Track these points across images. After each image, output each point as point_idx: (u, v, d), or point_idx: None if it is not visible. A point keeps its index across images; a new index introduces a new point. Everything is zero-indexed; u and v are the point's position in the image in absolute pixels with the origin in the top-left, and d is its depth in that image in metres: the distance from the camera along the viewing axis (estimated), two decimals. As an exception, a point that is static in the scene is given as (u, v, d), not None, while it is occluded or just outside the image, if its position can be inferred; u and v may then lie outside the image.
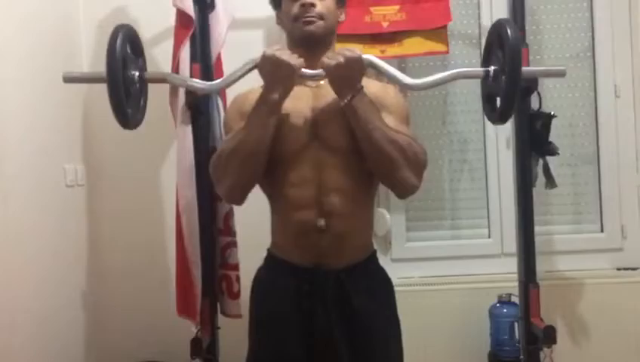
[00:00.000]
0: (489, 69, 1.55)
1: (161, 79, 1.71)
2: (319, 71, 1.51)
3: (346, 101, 1.48)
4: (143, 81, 1.62)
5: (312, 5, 1.56)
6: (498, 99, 1.56)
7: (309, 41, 1.60)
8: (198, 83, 1.68)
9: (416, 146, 1.54)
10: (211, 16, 2.32)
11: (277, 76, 1.48)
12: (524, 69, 1.51)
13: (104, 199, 2.66)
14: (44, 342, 2.20)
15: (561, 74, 1.62)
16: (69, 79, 1.64)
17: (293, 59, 1.48)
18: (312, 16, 1.57)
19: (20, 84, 2.13)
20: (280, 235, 1.65)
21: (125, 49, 1.53)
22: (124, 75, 1.51)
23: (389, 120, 1.55)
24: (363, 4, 2.41)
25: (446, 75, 1.55)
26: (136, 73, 1.58)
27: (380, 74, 1.55)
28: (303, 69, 1.51)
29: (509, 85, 1.47)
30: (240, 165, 1.53)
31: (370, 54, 1.52)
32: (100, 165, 2.65)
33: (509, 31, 1.47)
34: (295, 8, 1.58)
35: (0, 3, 2.04)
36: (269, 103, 1.49)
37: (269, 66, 1.48)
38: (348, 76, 1.48)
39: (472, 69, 1.63)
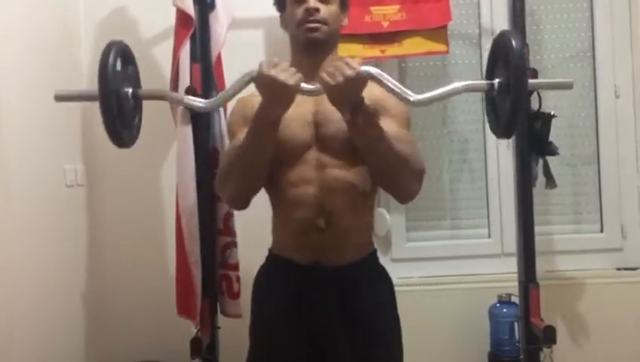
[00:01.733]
0: (493, 82, 1.47)
1: (156, 96, 1.65)
2: (317, 87, 1.45)
3: (347, 117, 1.45)
4: (138, 98, 1.56)
5: (317, 10, 1.57)
6: (502, 113, 1.49)
7: (313, 47, 1.61)
8: (195, 101, 1.61)
9: (417, 154, 1.56)
10: (211, 16, 2.32)
11: (275, 95, 1.43)
12: (530, 81, 1.45)
13: (104, 199, 2.66)
14: (44, 341, 2.20)
15: (567, 86, 1.55)
16: (60, 98, 1.58)
17: (291, 77, 1.41)
18: (317, 21, 1.57)
19: (20, 84, 2.13)
20: (281, 234, 1.67)
21: (117, 65, 1.47)
22: (117, 93, 1.46)
23: (390, 124, 1.54)
24: (363, 4, 2.40)
25: (449, 88, 1.48)
26: (130, 90, 1.52)
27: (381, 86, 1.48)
28: (302, 85, 1.44)
29: (515, 100, 1.40)
30: (241, 176, 1.55)
31: (370, 67, 1.44)
32: (100, 165, 2.64)
33: (513, 43, 1.40)
34: (299, 12, 1.58)
35: (0, 3, 2.04)
36: (267, 120, 1.47)
37: (266, 85, 1.42)
38: (347, 93, 1.41)
39: (476, 82, 1.53)
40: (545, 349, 2.23)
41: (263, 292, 1.69)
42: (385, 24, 2.43)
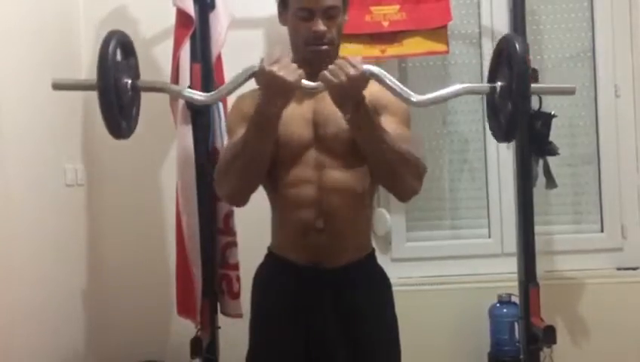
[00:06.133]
0: (495, 85, 1.47)
1: (155, 88, 1.63)
2: (319, 84, 1.43)
3: (347, 116, 1.45)
4: (136, 90, 1.53)
5: (324, 34, 1.53)
6: (503, 117, 1.48)
7: (317, 64, 1.55)
8: (194, 93, 1.58)
9: (417, 152, 1.55)
10: (211, 16, 2.32)
11: (275, 91, 1.42)
12: (533, 86, 1.44)
13: (104, 199, 2.66)
14: (44, 341, 2.20)
15: (570, 92, 1.53)
16: (58, 86, 1.56)
17: (292, 73, 1.40)
18: (324, 44, 1.54)
19: (20, 84, 2.13)
20: (279, 234, 1.67)
21: (117, 56, 1.45)
22: (116, 83, 1.43)
23: (390, 122, 1.55)
24: (363, 4, 2.40)
25: (451, 90, 1.47)
26: (129, 81, 1.48)
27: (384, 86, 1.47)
28: (303, 81, 1.43)
29: (517, 104, 1.39)
30: (240, 173, 1.53)
31: (372, 66, 1.43)
32: (100, 165, 2.65)
33: (516, 46, 1.40)
34: (305, 31, 1.54)
35: (0, 3, 2.04)
36: (267, 115, 1.45)
37: (266, 81, 1.41)
38: (349, 91, 1.40)
39: (478, 85, 1.51)
40: (545, 349, 2.24)
41: (262, 291, 1.69)
42: (385, 24, 2.43)
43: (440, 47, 2.46)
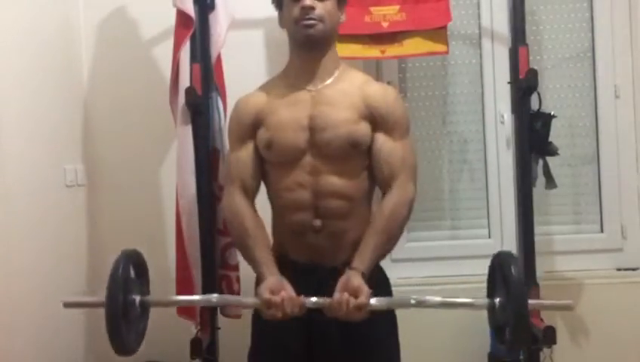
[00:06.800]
0: (494, 301, 1.52)
1: (165, 303, 1.71)
2: (319, 302, 1.51)
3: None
4: (145, 306, 1.59)
5: (312, 8, 1.58)
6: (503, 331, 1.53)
7: (309, 44, 1.63)
8: (207, 297, 1.68)
9: (411, 192, 1.62)
10: (211, 17, 2.31)
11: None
12: (531, 302, 1.50)
13: (104, 199, 2.66)
14: (43, 342, 2.20)
15: (569, 308, 1.59)
16: (68, 305, 1.62)
17: (290, 309, 1.50)
18: (313, 19, 1.59)
19: (20, 85, 2.13)
20: (279, 234, 1.70)
21: (127, 275, 1.53)
22: (124, 301, 1.48)
23: (387, 138, 1.61)
24: (363, 4, 2.40)
25: (450, 301, 1.58)
26: (137, 298, 1.55)
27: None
28: (306, 301, 1.51)
29: (516, 324, 1.44)
30: None
31: (373, 299, 1.51)
32: (100, 165, 2.65)
33: (512, 269, 1.46)
34: (296, 11, 1.60)
35: (0, 3, 2.04)
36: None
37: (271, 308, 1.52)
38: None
39: (478, 301, 1.56)
40: (545, 349, 2.23)
41: None
42: (385, 24, 2.43)
43: (440, 47, 2.45)
